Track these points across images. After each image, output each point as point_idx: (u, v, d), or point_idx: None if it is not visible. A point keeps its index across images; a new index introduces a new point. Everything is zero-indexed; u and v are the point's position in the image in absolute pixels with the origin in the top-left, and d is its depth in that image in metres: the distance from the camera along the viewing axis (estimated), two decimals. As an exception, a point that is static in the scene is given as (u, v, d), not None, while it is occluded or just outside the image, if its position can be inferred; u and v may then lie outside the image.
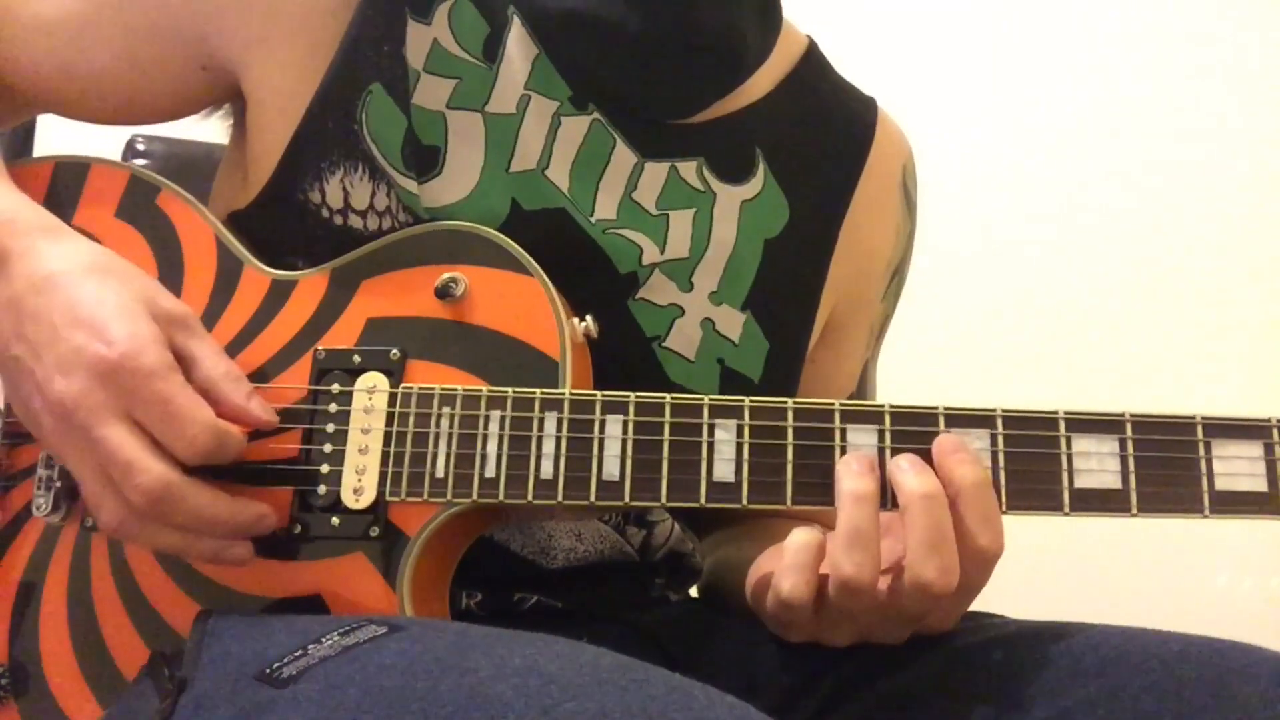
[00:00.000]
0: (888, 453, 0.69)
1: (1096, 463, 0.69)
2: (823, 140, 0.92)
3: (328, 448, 0.73)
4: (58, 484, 0.76)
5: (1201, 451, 0.69)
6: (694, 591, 0.99)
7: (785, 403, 0.71)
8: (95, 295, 0.69)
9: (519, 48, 0.83)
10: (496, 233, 0.76)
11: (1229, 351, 1.99)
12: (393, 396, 0.73)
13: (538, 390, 0.72)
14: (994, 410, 0.70)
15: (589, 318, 0.76)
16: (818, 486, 0.70)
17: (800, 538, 0.69)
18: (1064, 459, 0.69)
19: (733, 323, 0.86)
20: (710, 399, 0.71)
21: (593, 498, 0.71)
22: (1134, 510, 0.68)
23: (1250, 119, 2.04)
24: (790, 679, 0.78)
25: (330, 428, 0.74)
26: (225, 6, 0.81)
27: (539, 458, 0.71)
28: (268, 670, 0.60)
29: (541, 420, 0.71)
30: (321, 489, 0.73)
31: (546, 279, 0.75)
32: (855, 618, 0.70)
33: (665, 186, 0.85)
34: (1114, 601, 1.67)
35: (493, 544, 0.82)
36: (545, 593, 0.84)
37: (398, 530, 0.72)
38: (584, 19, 0.82)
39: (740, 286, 0.86)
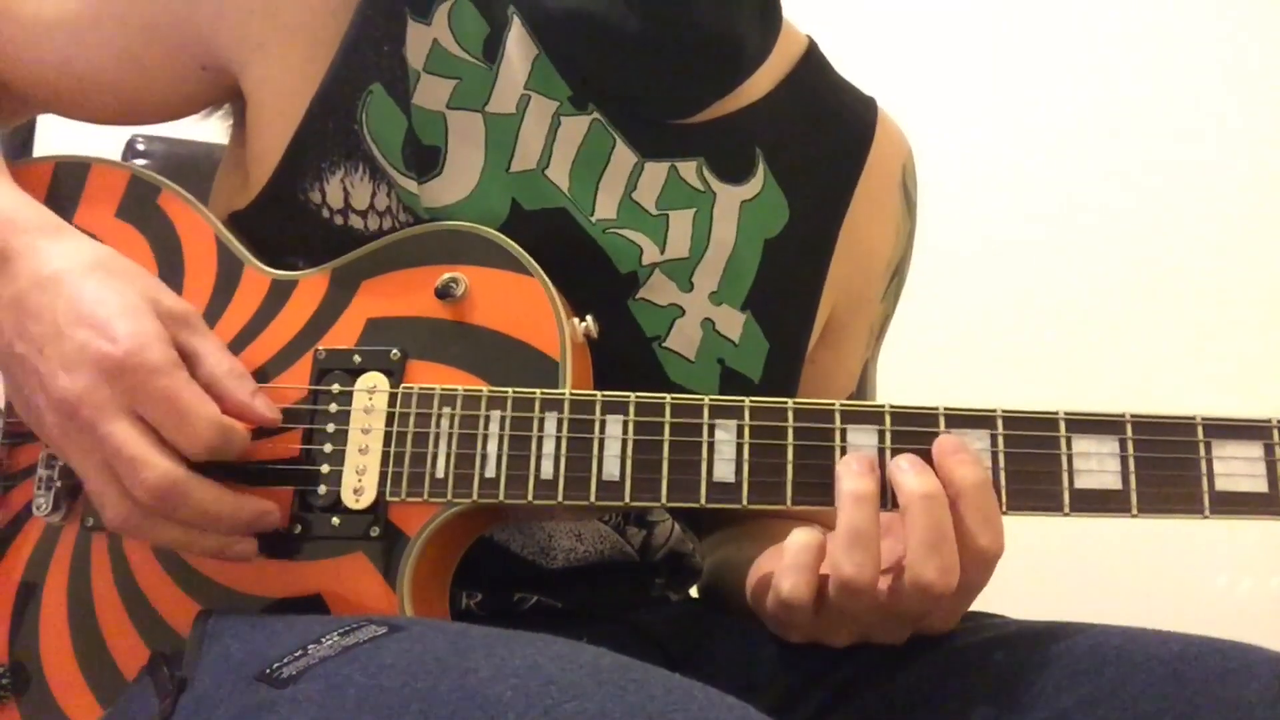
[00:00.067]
0: (888, 453, 0.69)
1: (1096, 463, 0.69)
2: (823, 140, 0.92)
3: (328, 448, 0.73)
4: (58, 484, 0.76)
5: (1202, 452, 0.69)
6: (694, 591, 0.99)
7: (785, 403, 0.71)
8: (98, 293, 0.69)
9: (519, 48, 0.83)
10: (497, 233, 0.76)
11: (1229, 351, 1.99)
12: (393, 396, 0.73)
13: (538, 390, 0.72)
14: (994, 410, 0.70)
15: (589, 318, 0.76)
16: (818, 487, 0.70)
17: (800, 538, 0.69)
18: (1064, 459, 0.69)
19: (733, 323, 0.86)
20: (710, 399, 0.71)
21: (593, 498, 0.71)
22: (1134, 511, 0.68)
23: (1250, 119, 2.04)
24: (790, 679, 0.78)
25: (330, 428, 0.74)
26: (226, 7, 0.81)
27: (539, 458, 0.71)
28: (268, 670, 0.60)
29: (542, 420, 0.71)
30: (322, 489, 0.73)
31: (547, 279, 0.75)
32: (855, 618, 0.70)
33: (665, 186, 0.84)
34: (1114, 601, 1.66)
35: (493, 544, 0.82)
36: (545, 593, 0.84)
37: (398, 530, 0.72)
38: (584, 19, 0.82)
39: (740, 286, 0.86)
